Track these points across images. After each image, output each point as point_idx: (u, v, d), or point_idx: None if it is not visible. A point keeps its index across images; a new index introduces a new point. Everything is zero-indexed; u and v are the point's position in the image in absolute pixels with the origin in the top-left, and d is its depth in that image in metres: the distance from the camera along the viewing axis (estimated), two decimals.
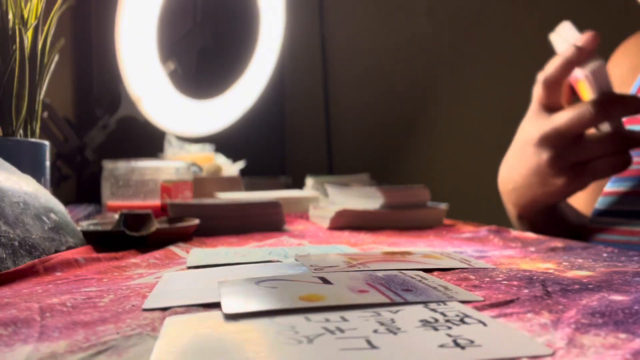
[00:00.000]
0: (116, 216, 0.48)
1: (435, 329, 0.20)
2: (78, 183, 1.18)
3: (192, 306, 0.24)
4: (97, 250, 0.42)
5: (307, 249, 0.43)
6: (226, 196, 0.79)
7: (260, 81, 1.21)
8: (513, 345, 0.19)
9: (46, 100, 0.92)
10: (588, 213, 0.64)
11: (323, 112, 1.66)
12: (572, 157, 0.47)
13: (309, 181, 1.01)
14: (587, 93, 0.48)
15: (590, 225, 0.55)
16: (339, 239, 0.51)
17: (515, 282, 0.28)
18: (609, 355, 0.17)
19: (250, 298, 0.25)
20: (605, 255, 0.37)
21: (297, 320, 0.22)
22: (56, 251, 0.38)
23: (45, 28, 0.63)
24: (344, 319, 0.22)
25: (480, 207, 1.03)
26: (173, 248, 0.44)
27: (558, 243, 0.44)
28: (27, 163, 0.58)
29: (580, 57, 0.47)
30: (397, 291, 0.26)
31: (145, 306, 0.25)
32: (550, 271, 0.32)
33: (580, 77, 0.48)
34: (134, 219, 0.46)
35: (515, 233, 0.51)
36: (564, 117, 0.47)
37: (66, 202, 0.58)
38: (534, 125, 0.50)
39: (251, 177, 1.10)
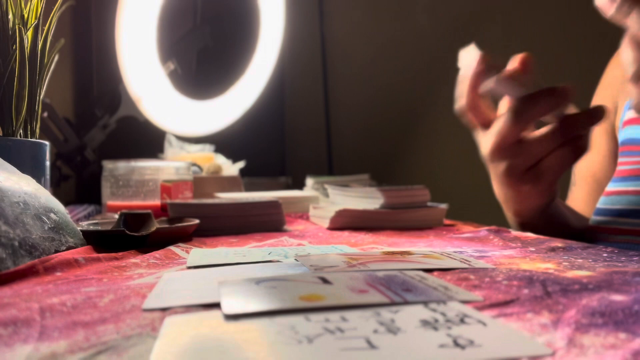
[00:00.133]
0: (116, 216, 0.48)
1: (435, 329, 0.20)
2: (78, 183, 1.18)
3: (192, 306, 0.24)
4: (97, 250, 0.42)
5: (307, 249, 0.43)
6: (226, 196, 0.79)
7: (260, 81, 1.21)
8: (513, 345, 0.19)
9: (46, 100, 0.92)
10: (589, 213, 0.64)
11: (323, 112, 1.66)
12: (520, 163, 0.47)
13: (309, 181, 1.01)
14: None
15: (591, 225, 0.55)
16: (339, 239, 0.51)
17: (515, 282, 0.28)
18: (609, 355, 0.17)
19: (250, 298, 0.25)
20: (605, 255, 0.37)
21: (297, 320, 0.22)
22: (56, 251, 0.38)
23: (45, 28, 0.63)
24: (344, 319, 0.22)
25: (480, 207, 1.03)
26: (173, 248, 0.44)
27: (558, 243, 0.44)
28: (27, 163, 0.58)
29: (474, 79, 0.47)
30: (397, 291, 0.26)
31: (145, 306, 0.25)
32: (550, 271, 0.32)
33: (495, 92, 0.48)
34: (134, 219, 0.46)
35: (515, 233, 0.51)
36: (493, 131, 0.47)
37: (66, 202, 0.58)
38: (481, 145, 0.51)
39: (251, 177, 1.10)
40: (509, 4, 1.59)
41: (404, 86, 1.67)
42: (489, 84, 0.46)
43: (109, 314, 0.24)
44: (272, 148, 1.67)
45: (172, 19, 1.24)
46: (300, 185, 1.07)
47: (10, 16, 0.59)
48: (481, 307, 0.24)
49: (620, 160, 0.72)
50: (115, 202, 0.69)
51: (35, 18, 0.61)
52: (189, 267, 0.36)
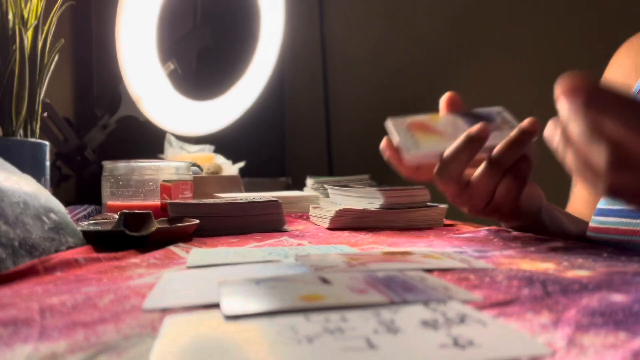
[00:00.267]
0: (116, 216, 0.48)
1: (435, 329, 0.20)
2: (78, 183, 1.18)
3: (192, 306, 0.24)
4: (97, 250, 0.42)
5: (307, 249, 0.43)
6: (226, 196, 0.79)
7: (260, 81, 1.21)
8: (513, 345, 0.19)
9: (46, 100, 0.92)
10: (590, 213, 0.63)
11: (323, 112, 1.66)
12: (476, 203, 0.48)
13: (309, 181, 1.01)
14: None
15: (591, 225, 0.55)
16: (339, 239, 0.51)
17: (515, 282, 0.28)
18: (609, 355, 0.17)
19: (250, 298, 0.25)
20: (605, 255, 0.37)
21: (297, 320, 0.22)
22: (56, 251, 0.38)
23: (45, 28, 0.63)
24: (344, 319, 0.22)
25: None
26: (173, 248, 0.44)
27: (558, 243, 0.44)
28: (27, 163, 0.58)
29: (395, 159, 0.49)
30: (397, 291, 0.26)
31: (145, 306, 0.25)
32: (550, 271, 0.32)
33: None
34: (134, 219, 0.46)
35: (515, 233, 0.51)
36: (439, 187, 0.49)
37: (66, 202, 0.58)
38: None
39: (251, 177, 1.10)
40: (510, 6, 1.59)
41: (404, 86, 1.67)
42: (407, 160, 0.47)
43: (109, 314, 0.24)
44: (272, 148, 1.67)
45: (172, 19, 1.24)
46: (300, 185, 1.07)
47: (10, 16, 0.59)
48: (481, 307, 0.24)
49: None
50: (115, 202, 0.69)
51: (35, 18, 0.61)
52: (189, 267, 0.36)
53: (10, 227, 0.34)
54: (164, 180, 0.69)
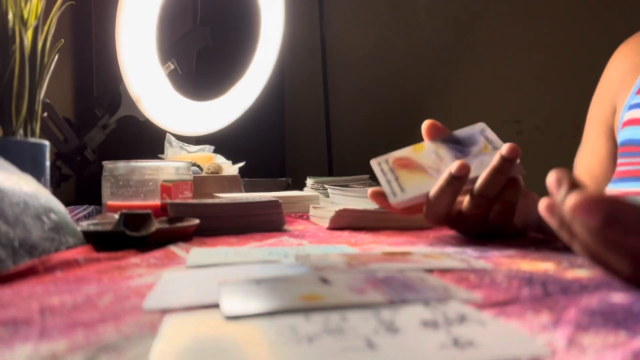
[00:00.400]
0: (116, 216, 0.48)
1: (435, 329, 0.20)
2: (78, 183, 1.18)
3: (192, 306, 0.24)
4: (97, 250, 0.42)
5: (307, 249, 0.43)
6: (226, 196, 0.79)
7: (260, 81, 1.21)
8: (513, 345, 0.19)
9: (46, 100, 0.92)
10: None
11: (323, 112, 1.66)
12: (470, 230, 0.49)
13: (309, 181, 1.01)
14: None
15: None
16: (339, 239, 0.51)
17: (515, 282, 0.28)
18: (609, 355, 0.17)
19: (250, 298, 0.25)
20: None
21: (297, 320, 0.22)
22: (56, 251, 0.38)
23: (45, 28, 0.63)
24: (344, 319, 0.22)
25: None
26: (173, 248, 0.44)
27: (558, 243, 0.44)
28: (27, 163, 0.58)
29: (383, 204, 0.49)
30: (397, 291, 0.26)
31: (145, 306, 0.25)
32: (550, 271, 0.32)
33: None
34: (134, 219, 0.46)
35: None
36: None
37: (66, 202, 0.58)
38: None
39: (251, 177, 1.10)
40: (510, 5, 1.59)
41: (405, 86, 1.66)
42: (393, 205, 0.48)
43: (109, 314, 0.24)
44: (272, 148, 1.67)
45: (172, 19, 1.24)
46: (300, 186, 1.07)
47: (10, 16, 0.59)
48: (481, 307, 0.24)
49: (619, 161, 0.72)
50: (115, 202, 0.69)
51: (35, 18, 0.61)
52: (189, 267, 0.36)
53: (10, 227, 0.34)
54: (164, 180, 0.69)
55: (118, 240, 0.44)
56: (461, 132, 0.52)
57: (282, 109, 1.72)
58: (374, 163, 0.52)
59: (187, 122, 1.18)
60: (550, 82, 1.55)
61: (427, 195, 0.47)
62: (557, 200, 0.27)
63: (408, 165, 0.50)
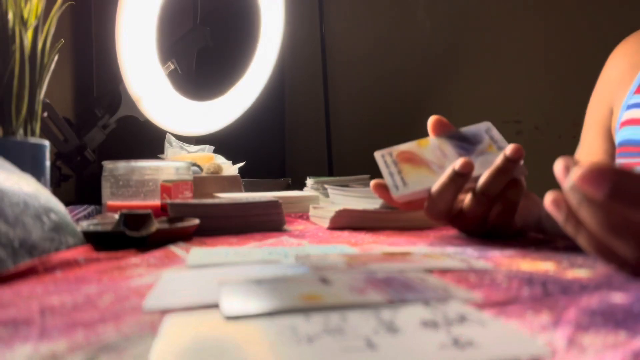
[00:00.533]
0: (116, 216, 0.48)
1: (435, 329, 0.20)
2: (78, 183, 1.18)
3: (192, 306, 0.24)
4: (97, 250, 0.42)
5: (307, 249, 0.43)
6: (226, 196, 0.79)
7: (260, 81, 1.21)
8: (513, 345, 0.19)
9: (46, 100, 0.92)
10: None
11: (323, 112, 1.66)
12: (471, 228, 0.49)
13: (309, 181, 1.01)
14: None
15: None
16: (339, 239, 0.51)
17: (515, 282, 0.28)
18: (609, 355, 0.17)
19: (250, 298, 0.25)
20: None
21: (297, 320, 0.22)
22: (56, 251, 0.38)
23: (45, 28, 0.63)
24: (344, 319, 0.22)
25: None
26: (173, 248, 0.44)
27: (558, 243, 0.44)
28: (27, 163, 0.58)
29: (386, 197, 0.49)
30: (397, 291, 0.26)
31: (145, 306, 0.25)
32: (550, 271, 0.32)
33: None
34: (134, 219, 0.46)
35: None
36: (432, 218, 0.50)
37: (66, 202, 0.58)
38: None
39: (251, 177, 1.10)
40: (510, 5, 1.59)
41: (405, 86, 1.66)
42: (396, 199, 0.48)
43: (109, 314, 0.24)
44: (272, 148, 1.67)
45: (172, 19, 1.24)
46: (300, 186, 1.07)
47: (10, 16, 0.59)
48: (481, 307, 0.24)
49: (618, 161, 0.72)
50: (115, 202, 0.69)
51: (35, 18, 0.61)
52: (189, 267, 0.36)
53: (10, 227, 0.34)
54: (164, 181, 0.69)
55: (118, 240, 0.44)
56: (466, 130, 0.52)
57: (282, 109, 1.72)
58: (377, 155, 0.52)
59: (187, 122, 1.18)
60: (550, 82, 1.55)
61: (429, 190, 0.47)
62: (565, 186, 0.28)
63: (412, 159, 0.50)
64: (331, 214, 0.60)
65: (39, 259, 0.36)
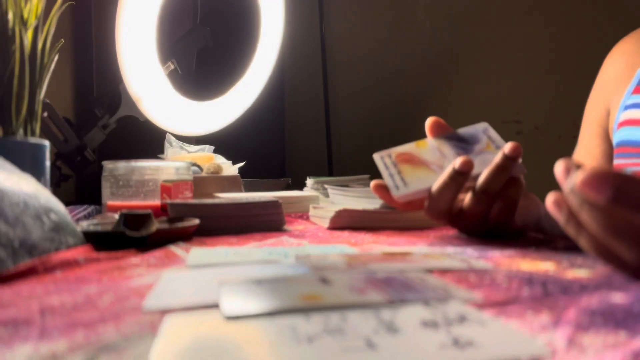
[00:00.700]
0: (116, 216, 0.48)
1: (435, 329, 0.20)
2: (78, 183, 1.18)
3: (192, 306, 0.24)
4: (97, 250, 0.42)
5: (307, 249, 0.43)
6: (226, 196, 0.79)
7: (260, 81, 1.21)
8: (513, 345, 0.19)
9: (46, 100, 0.92)
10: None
11: (323, 112, 1.66)
12: (471, 228, 0.49)
13: (309, 181, 1.01)
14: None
15: None
16: (339, 239, 0.51)
17: (515, 282, 0.28)
18: (609, 355, 0.17)
19: (250, 298, 0.25)
20: None
21: (297, 320, 0.22)
22: (56, 251, 0.38)
23: (45, 28, 0.63)
24: (344, 319, 0.22)
25: None
26: (173, 248, 0.44)
27: (558, 243, 0.44)
28: (27, 163, 0.58)
29: (387, 198, 0.49)
30: (397, 291, 0.26)
31: (145, 306, 0.25)
32: (550, 271, 0.32)
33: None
34: (134, 219, 0.46)
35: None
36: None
37: (66, 202, 0.58)
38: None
39: (251, 177, 1.10)
40: (510, 5, 1.59)
41: (405, 86, 1.66)
42: (396, 199, 0.48)
43: (109, 314, 0.24)
44: (272, 148, 1.67)
45: (172, 19, 1.24)
46: (300, 186, 1.07)
47: (10, 16, 0.59)
48: (481, 307, 0.24)
49: (616, 162, 0.71)
50: (115, 202, 0.69)
51: (35, 18, 0.61)
52: (189, 267, 0.36)
53: (10, 227, 0.34)
54: (164, 181, 0.69)
55: (118, 240, 0.44)
56: (464, 131, 0.52)
57: (282, 109, 1.72)
58: (376, 157, 0.52)
59: (187, 122, 1.18)
60: (550, 82, 1.55)
61: (429, 189, 0.47)
62: (565, 188, 0.28)
63: (411, 160, 0.51)
64: (331, 214, 0.60)
65: (39, 259, 0.36)
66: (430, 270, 0.32)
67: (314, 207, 0.69)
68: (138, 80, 1.08)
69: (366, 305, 0.24)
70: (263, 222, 0.59)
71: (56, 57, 0.65)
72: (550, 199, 0.29)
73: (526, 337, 0.19)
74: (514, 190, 0.46)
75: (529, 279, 0.29)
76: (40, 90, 0.63)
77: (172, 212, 0.58)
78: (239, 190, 0.92)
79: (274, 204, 0.61)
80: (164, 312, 0.24)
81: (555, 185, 0.29)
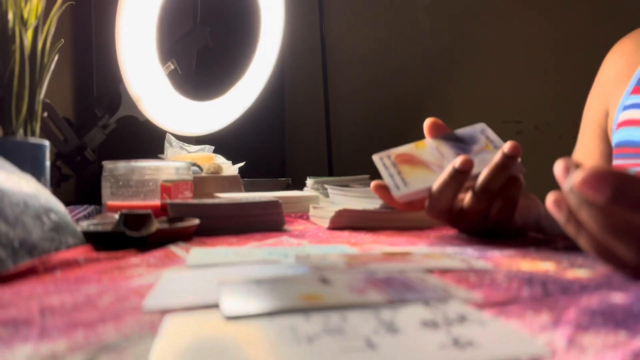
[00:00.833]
0: (116, 216, 0.48)
1: (435, 329, 0.20)
2: (78, 183, 1.18)
3: (192, 306, 0.24)
4: (97, 250, 0.42)
5: (307, 249, 0.43)
6: (226, 196, 0.79)
7: (260, 81, 1.21)
8: (513, 345, 0.19)
9: (46, 100, 0.92)
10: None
11: (323, 112, 1.66)
12: (471, 227, 0.49)
13: (309, 181, 1.01)
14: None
15: None
16: (339, 239, 0.51)
17: (515, 282, 0.28)
18: (609, 355, 0.17)
19: (250, 298, 0.25)
20: None
21: (297, 320, 0.22)
22: (56, 251, 0.38)
23: (45, 28, 0.63)
24: (344, 319, 0.22)
25: None
26: (173, 248, 0.44)
27: (558, 243, 0.44)
28: (27, 163, 0.58)
29: (386, 197, 0.49)
30: (397, 291, 0.26)
31: (145, 306, 0.25)
32: (551, 271, 0.32)
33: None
34: (134, 219, 0.46)
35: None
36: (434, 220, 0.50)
37: (66, 202, 0.58)
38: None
39: (251, 177, 1.10)
40: (509, 5, 1.59)
41: (405, 86, 1.66)
42: (397, 199, 0.48)
43: (109, 314, 0.24)
44: (272, 148, 1.67)
45: (172, 19, 1.24)
46: (300, 186, 1.07)
47: (10, 16, 0.59)
48: (481, 307, 0.24)
49: (615, 162, 0.71)
50: (115, 202, 0.69)
51: (35, 18, 0.61)
52: (189, 267, 0.36)
53: (10, 227, 0.34)
54: (164, 181, 0.69)
55: (118, 240, 0.44)
56: (462, 131, 0.52)
57: (282, 109, 1.72)
58: (376, 158, 0.52)
59: (187, 122, 1.18)
60: (550, 82, 1.55)
61: (429, 189, 0.47)
62: (565, 188, 0.28)
63: (410, 160, 0.51)
64: (331, 214, 0.60)
65: (39, 259, 0.36)
66: (430, 270, 0.32)
67: (314, 207, 0.69)
68: (138, 80, 1.08)
69: (366, 305, 0.24)
70: (263, 222, 0.59)
71: (56, 57, 0.65)
72: (550, 198, 0.29)
73: (526, 337, 0.19)
74: (513, 188, 0.46)
75: (529, 279, 0.29)
76: (40, 90, 0.63)
77: (172, 212, 0.58)
78: (239, 190, 0.92)
79: (274, 204, 0.61)
80: (164, 312, 0.24)
81: (555, 185, 0.29)
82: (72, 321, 0.22)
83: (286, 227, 0.62)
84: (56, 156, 1.01)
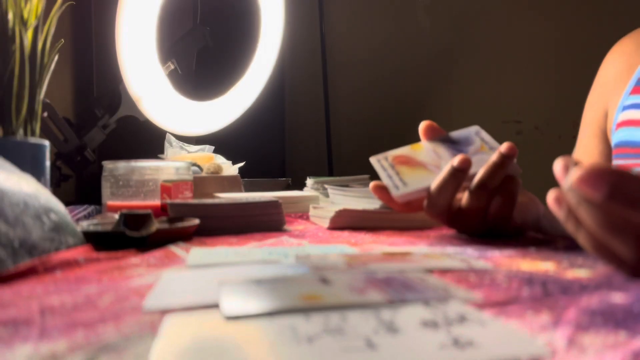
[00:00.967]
0: (116, 216, 0.48)
1: (435, 329, 0.20)
2: (78, 183, 1.18)
3: (192, 306, 0.24)
4: (97, 250, 0.42)
5: (307, 249, 0.43)
6: (226, 196, 0.79)
7: (260, 81, 1.21)
8: (513, 345, 0.19)
9: (46, 100, 0.92)
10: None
11: (323, 112, 1.66)
12: (470, 226, 0.49)
13: (309, 181, 1.01)
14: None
15: None
16: (339, 239, 0.51)
17: (515, 282, 0.28)
18: (609, 355, 0.17)
19: (250, 298, 0.25)
20: None
21: (297, 320, 0.22)
22: (56, 251, 0.38)
23: (45, 28, 0.63)
24: (344, 319, 0.22)
25: None
26: (173, 248, 0.44)
27: (558, 243, 0.44)
28: (27, 163, 0.58)
29: (386, 198, 0.50)
30: (397, 291, 0.26)
31: (145, 306, 0.25)
32: (550, 271, 0.32)
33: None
34: (134, 219, 0.46)
35: None
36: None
37: (66, 202, 0.58)
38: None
39: (251, 177, 1.10)
40: (509, 5, 1.59)
41: (405, 86, 1.66)
42: (396, 199, 0.49)
43: (109, 314, 0.24)
44: (272, 148, 1.67)
45: (172, 19, 1.24)
46: (300, 186, 1.07)
47: (10, 16, 0.59)
48: (481, 307, 0.24)
49: (615, 162, 0.71)
50: (115, 202, 0.69)
51: (35, 18, 0.61)
52: (189, 267, 0.36)
53: (10, 227, 0.34)
54: (164, 181, 0.69)
55: (118, 240, 0.44)
56: (457, 134, 0.53)
57: (282, 109, 1.72)
58: (373, 160, 0.52)
59: (187, 122, 1.18)
60: (550, 82, 1.55)
61: (428, 189, 0.47)
62: (564, 186, 0.28)
63: (408, 161, 0.51)
64: (331, 214, 0.60)
65: (39, 259, 0.36)
66: (430, 270, 0.32)
67: (314, 207, 0.69)
68: (138, 80, 1.08)
69: (366, 305, 0.24)
70: (263, 222, 0.59)
71: (56, 57, 0.65)
72: (551, 195, 0.30)
73: (526, 337, 0.19)
74: (511, 185, 0.46)
75: (529, 279, 0.29)
76: (40, 90, 0.63)
77: (172, 212, 0.58)
78: (239, 190, 0.92)
79: (274, 204, 0.61)
80: (164, 312, 0.24)
81: (555, 185, 0.29)
82: (72, 321, 0.22)
83: (286, 227, 0.62)
84: (56, 156, 1.01)
